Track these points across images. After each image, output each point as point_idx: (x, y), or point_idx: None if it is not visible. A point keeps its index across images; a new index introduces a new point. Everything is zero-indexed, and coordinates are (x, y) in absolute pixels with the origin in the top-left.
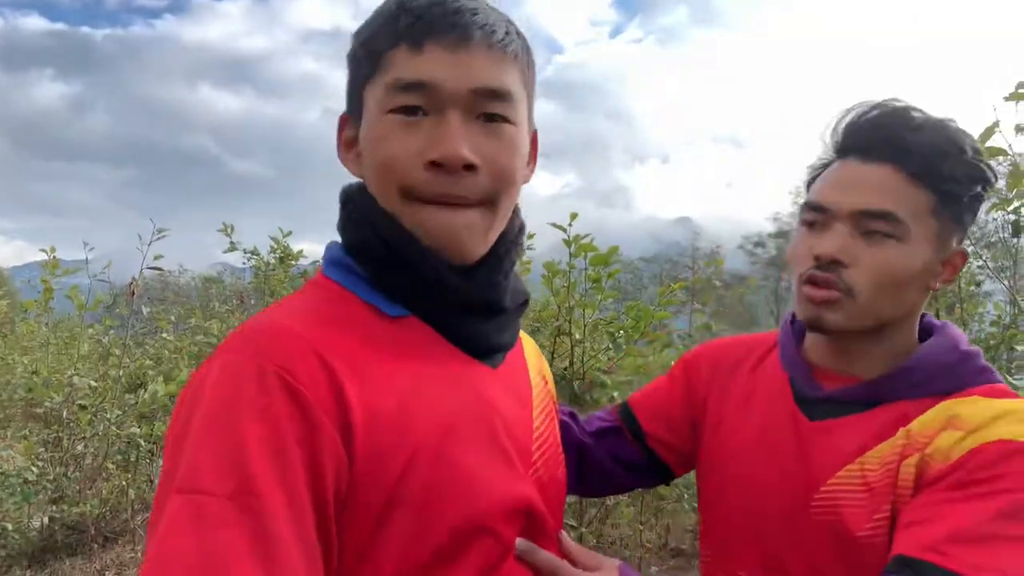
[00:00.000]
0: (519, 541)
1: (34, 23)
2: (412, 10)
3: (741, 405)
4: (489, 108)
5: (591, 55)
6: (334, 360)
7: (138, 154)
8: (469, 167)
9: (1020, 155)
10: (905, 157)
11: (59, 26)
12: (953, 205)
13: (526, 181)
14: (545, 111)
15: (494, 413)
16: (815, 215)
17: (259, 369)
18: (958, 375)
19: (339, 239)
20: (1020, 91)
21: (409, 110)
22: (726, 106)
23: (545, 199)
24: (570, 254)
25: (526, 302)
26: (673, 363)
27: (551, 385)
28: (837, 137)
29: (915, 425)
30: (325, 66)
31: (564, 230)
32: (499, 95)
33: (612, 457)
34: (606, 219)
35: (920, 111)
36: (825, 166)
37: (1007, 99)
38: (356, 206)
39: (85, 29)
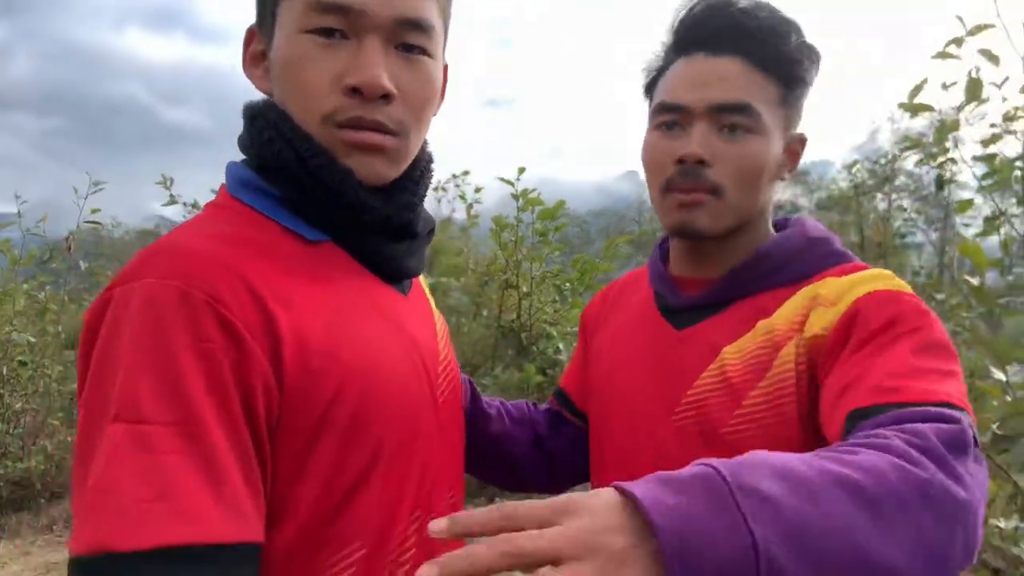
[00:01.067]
0: (434, 523)
1: None
2: None
3: (617, 329)
4: (409, 39)
5: (544, 8)
6: (261, 286)
7: (64, 102)
8: (386, 96)
9: (946, 112)
10: (750, 46)
11: None
12: (796, 89)
13: (435, 113)
14: (499, 59)
15: (410, 338)
16: (671, 116)
17: (187, 296)
18: (809, 261)
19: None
20: (947, 50)
21: (327, 32)
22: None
23: (492, 151)
24: (518, 208)
25: (433, 230)
26: None
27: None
28: (677, 34)
29: (777, 318)
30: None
31: (512, 184)
32: (420, 27)
33: (569, 444)
34: (553, 173)
35: None
36: (664, 68)
37: (934, 57)
38: (268, 123)
39: None
